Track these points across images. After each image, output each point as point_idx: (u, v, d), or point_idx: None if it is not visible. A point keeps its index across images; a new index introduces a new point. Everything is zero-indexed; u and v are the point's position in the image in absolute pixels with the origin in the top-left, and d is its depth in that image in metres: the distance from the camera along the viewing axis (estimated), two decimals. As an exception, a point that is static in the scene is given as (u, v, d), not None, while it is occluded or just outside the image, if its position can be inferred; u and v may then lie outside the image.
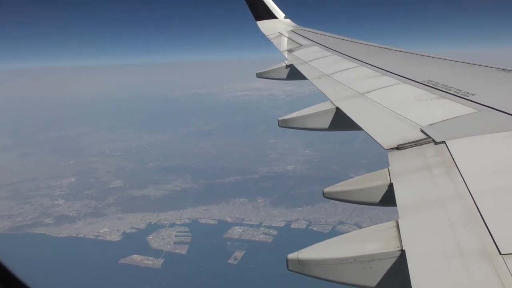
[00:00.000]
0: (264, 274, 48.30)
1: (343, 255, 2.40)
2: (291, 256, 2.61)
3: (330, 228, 58.30)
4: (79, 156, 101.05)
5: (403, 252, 2.20)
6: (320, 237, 54.58)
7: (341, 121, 4.94)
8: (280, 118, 5.63)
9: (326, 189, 3.52)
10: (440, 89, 4.72)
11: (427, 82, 5.07)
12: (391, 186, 3.02)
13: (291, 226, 60.43)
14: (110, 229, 62.49)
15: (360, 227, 56.00)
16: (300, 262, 2.57)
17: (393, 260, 2.25)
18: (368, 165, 69.23)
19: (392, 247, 2.27)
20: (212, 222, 63.63)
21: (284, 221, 61.88)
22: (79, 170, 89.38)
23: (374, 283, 2.33)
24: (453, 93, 4.48)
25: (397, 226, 2.41)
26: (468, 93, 4.38)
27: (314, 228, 58.92)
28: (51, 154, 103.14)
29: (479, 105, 3.96)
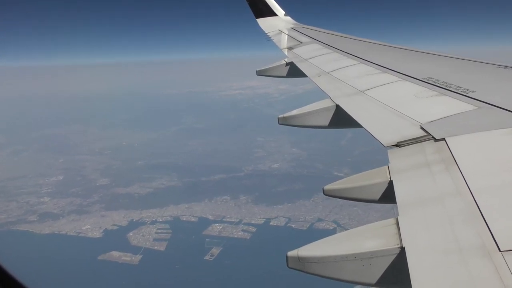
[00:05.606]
0: (239, 270, 48.73)
1: (343, 253, 2.40)
2: (290, 253, 2.59)
3: (308, 225, 58.93)
4: (69, 154, 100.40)
5: (402, 249, 2.19)
6: (297, 234, 55.10)
7: (341, 119, 4.93)
8: (280, 116, 5.58)
9: (326, 187, 3.50)
10: (440, 86, 4.74)
11: (427, 79, 5.09)
12: (391, 183, 3.01)
13: (270, 224, 60.93)
14: (92, 226, 62.30)
15: (339, 224, 56.92)
16: (300, 259, 2.55)
17: (393, 257, 2.24)
18: (353, 163, 70.05)
19: (391, 244, 2.27)
20: (193, 219, 63.82)
21: (263, 218, 62.38)
22: (67, 168, 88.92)
23: (374, 280, 2.33)
24: (453, 90, 4.50)
25: (397, 223, 2.41)
26: (468, 90, 4.40)
27: (293, 225, 59.47)
28: (42, 152, 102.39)
29: (479, 102, 3.98)
